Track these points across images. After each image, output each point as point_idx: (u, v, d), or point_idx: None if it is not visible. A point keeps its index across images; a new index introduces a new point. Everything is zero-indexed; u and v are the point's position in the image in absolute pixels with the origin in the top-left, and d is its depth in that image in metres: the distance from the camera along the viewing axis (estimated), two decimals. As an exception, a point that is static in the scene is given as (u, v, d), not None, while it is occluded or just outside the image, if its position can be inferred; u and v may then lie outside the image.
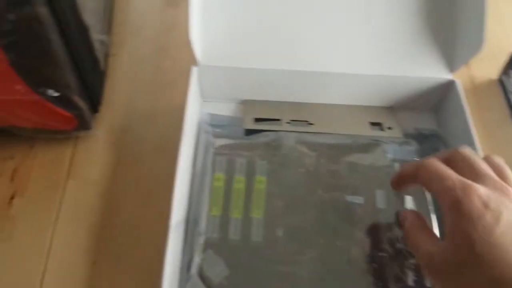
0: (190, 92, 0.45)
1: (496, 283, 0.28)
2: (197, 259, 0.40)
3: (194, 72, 0.47)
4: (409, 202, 0.44)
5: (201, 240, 0.41)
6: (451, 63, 0.48)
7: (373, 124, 0.50)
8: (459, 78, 0.50)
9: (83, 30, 0.46)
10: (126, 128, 0.50)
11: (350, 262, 0.41)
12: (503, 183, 0.30)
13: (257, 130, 0.48)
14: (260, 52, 0.48)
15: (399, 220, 0.37)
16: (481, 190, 0.29)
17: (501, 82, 0.55)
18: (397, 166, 0.46)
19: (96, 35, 0.51)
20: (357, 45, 0.49)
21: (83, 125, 0.46)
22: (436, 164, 0.32)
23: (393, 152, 0.47)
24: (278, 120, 0.49)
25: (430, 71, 0.48)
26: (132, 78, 0.54)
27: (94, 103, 0.49)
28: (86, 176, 0.46)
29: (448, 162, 0.33)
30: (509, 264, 0.27)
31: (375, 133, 0.49)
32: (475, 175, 0.31)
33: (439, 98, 0.50)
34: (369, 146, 0.48)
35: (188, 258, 0.40)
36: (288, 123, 0.49)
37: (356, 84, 0.49)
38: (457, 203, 0.29)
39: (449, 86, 0.49)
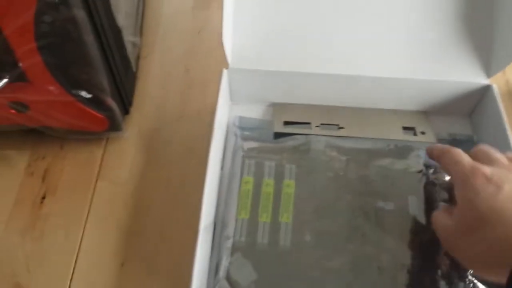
0: (221, 94, 0.45)
1: (500, 242, 0.31)
2: (225, 263, 0.39)
3: (225, 74, 0.47)
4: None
5: (229, 243, 0.40)
6: (488, 68, 0.47)
7: (406, 128, 0.49)
8: (494, 83, 0.49)
9: (117, 32, 0.47)
10: (156, 130, 0.50)
11: (380, 269, 0.40)
12: (510, 164, 0.35)
13: (286, 133, 0.48)
14: (291, 55, 0.48)
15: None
16: (486, 169, 0.34)
17: (540, 87, 0.53)
18: (430, 172, 0.45)
19: (128, 37, 0.51)
20: (391, 49, 0.48)
21: (114, 126, 0.47)
22: (458, 152, 0.37)
23: (426, 157, 0.46)
24: (308, 123, 0.49)
25: (466, 75, 0.47)
26: (162, 81, 0.54)
27: (126, 105, 0.49)
28: (116, 177, 0.46)
29: (470, 155, 0.37)
30: (510, 225, 0.31)
31: (408, 137, 0.48)
32: (488, 159, 0.35)
33: (474, 103, 0.49)
34: (401, 151, 0.46)
35: (216, 261, 0.40)
36: (318, 126, 0.49)
37: (389, 87, 0.48)
38: (465, 180, 0.34)
39: (485, 90, 0.47)
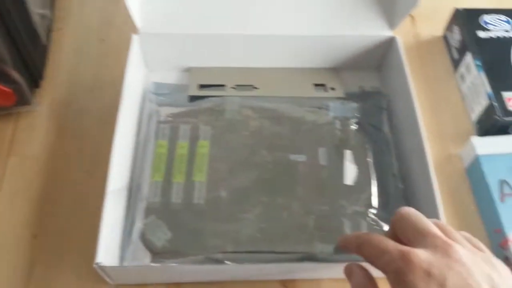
0: (130, 60, 0.45)
1: None
2: (139, 224, 0.40)
3: (135, 40, 0.47)
4: (348, 156, 0.44)
5: (143, 205, 0.41)
6: (392, 20, 0.49)
7: (317, 85, 0.50)
8: (404, 36, 0.50)
9: (20, 3, 0.46)
10: (69, 102, 0.49)
11: (291, 216, 0.42)
12: (446, 240, 0.28)
13: (201, 96, 0.48)
14: (202, 17, 0.48)
15: (345, 272, 0.32)
16: (421, 255, 0.27)
17: (445, 39, 0.56)
18: (338, 123, 0.47)
19: (36, 9, 0.50)
20: (297, 7, 0.49)
21: (23, 100, 0.46)
22: (376, 239, 0.30)
23: (335, 111, 0.48)
24: (222, 85, 0.49)
25: (371, 29, 0.49)
26: (76, 52, 0.53)
27: (35, 78, 0.48)
28: (28, 152, 0.46)
29: (393, 225, 0.31)
30: None
31: (319, 94, 0.50)
32: (417, 233, 0.29)
33: (381, 56, 0.51)
34: (312, 106, 0.48)
35: (130, 223, 0.40)
36: (233, 88, 0.49)
37: (299, 45, 0.49)
38: (400, 275, 0.27)
39: (390, 43, 0.49)
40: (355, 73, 0.52)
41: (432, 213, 0.38)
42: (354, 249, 0.32)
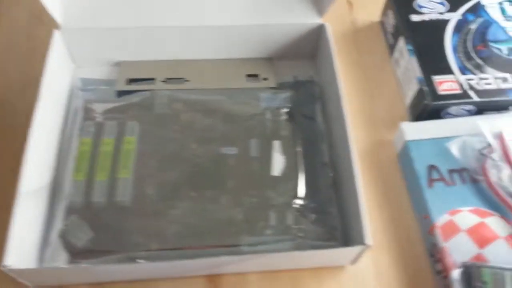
0: (50, 57, 0.43)
1: None
2: (59, 225, 0.39)
3: (56, 36, 0.45)
4: (277, 147, 0.44)
5: (64, 205, 0.40)
6: (320, 7, 0.48)
7: (250, 76, 0.49)
8: (341, 23, 0.50)
9: None
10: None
11: (220, 209, 0.41)
12: None
13: (130, 91, 0.47)
14: (128, 10, 0.47)
15: None
16: None
17: (381, 24, 0.55)
18: (269, 114, 0.46)
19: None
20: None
21: None
22: None
23: (266, 101, 0.47)
24: (152, 79, 0.48)
25: (301, 17, 0.48)
26: (4, 50, 0.51)
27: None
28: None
29: None
30: None
31: (251, 84, 0.49)
32: None
33: (314, 44, 0.50)
34: (244, 98, 0.47)
35: (50, 224, 0.39)
36: (164, 81, 0.48)
37: (230, 35, 0.48)
38: None
39: (321, 31, 0.48)
40: (289, 63, 0.51)
41: (354, 200, 0.38)
42: None
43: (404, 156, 0.45)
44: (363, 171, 0.46)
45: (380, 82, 0.52)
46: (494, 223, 0.40)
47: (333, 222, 0.42)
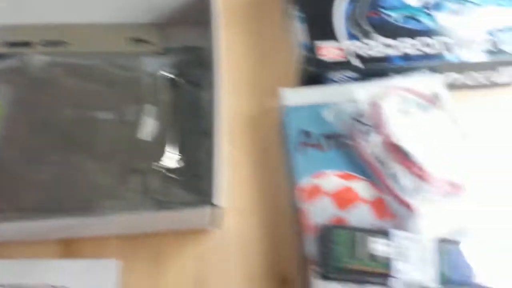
0: None
1: None
2: None
3: None
4: (152, 113, 0.43)
5: None
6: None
7: (135, 40, 0.48)
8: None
9: None
10: None
11: (84, 176, 0.40)
12: None
13: (5, 54, 0.46)
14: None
15: None
16: None
17: (280, -8, 0.54)
18: (149, 79, 0.45)
19: None
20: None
21: None
22: None
23: (149, 66, 0.46)
24: (29, 43, 0.47)
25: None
26: None
27: None
28: None
29: None
30: None
31: (135, 49, 0.48)
32: None
33: (203, 10, 0.49)
34: (126, 62, 0.46)
35: None
36: (43, 45, 0.47)
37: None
38: None
39: (208, -5, 0.47)
40: (181, 29, 0.50)
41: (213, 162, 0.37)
42: None
43: (282, 122, 0.44)
44: (248, 137, 0.46)
45: (274, 49, 0.51)
46: (360, 187, 0.40)
47: (204, 188, 0.41)
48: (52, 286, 0.37)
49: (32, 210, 0.38)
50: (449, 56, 0.46)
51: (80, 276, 0.38)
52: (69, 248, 0.39)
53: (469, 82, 0.48)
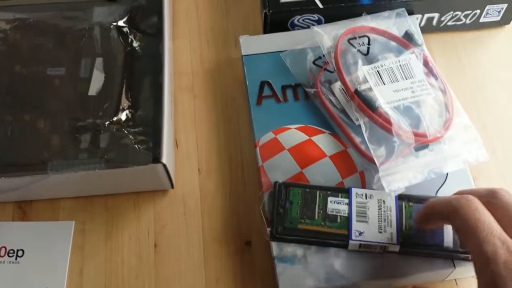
0: None
1: None
2: None
3: None
4: (100, 65, 0.41)
5: None
6: None
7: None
8: None
9: None
10: None
11: (35, 134, 0.39)
12: None
13: None
14: None
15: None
16: None
17: None
18: (99, 29, 0.42)
19: None
20: None
21: None
22: (477, 212, 0.27)
23: (99, 16, 0.43)
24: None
25: None
26: None
27: None
28: None
29: (487, 203, 0.28)
30: None
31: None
32: None
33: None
34: (77, 13, 0.44)
35: None
36: (-12, -2, 0.44)
37: None
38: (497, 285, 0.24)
39: None
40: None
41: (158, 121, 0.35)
42: (442, 216, 0.30)
43: (243, 72, 0.42)
44: (210, 91, 0.43)
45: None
46: (322, 140, 0.38)
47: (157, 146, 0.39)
48: (9, 248, 0.37)
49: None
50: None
51: (37, 238, 0.37)
52: (24, 211, 0.38)
53: (449, 23, 0.44)
